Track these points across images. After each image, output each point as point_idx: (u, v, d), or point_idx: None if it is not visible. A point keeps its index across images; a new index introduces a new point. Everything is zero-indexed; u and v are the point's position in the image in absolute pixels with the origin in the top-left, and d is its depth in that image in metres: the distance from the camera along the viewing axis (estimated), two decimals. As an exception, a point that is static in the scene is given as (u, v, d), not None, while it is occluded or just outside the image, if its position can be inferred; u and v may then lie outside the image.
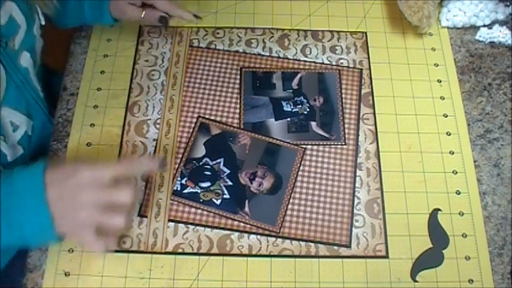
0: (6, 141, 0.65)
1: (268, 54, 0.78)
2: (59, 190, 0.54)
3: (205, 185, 0.68)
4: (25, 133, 0.69)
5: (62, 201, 0.54)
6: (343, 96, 0.75)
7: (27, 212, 0.54)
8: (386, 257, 0.64)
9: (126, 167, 0.57)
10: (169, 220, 0.66)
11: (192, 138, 0.71)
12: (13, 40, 0.63)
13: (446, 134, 0.72)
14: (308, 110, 0.74)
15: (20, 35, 0.64)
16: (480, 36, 0.80)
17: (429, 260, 0.64)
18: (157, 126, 0.72)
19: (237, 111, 0.73)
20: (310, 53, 0.78)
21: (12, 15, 0.62)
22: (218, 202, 0.67)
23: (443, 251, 0.65)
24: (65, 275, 0.62)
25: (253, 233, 0.65)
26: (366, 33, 0.80)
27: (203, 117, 0.73)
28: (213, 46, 0.79)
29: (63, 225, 0.54)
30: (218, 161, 0.69)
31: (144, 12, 0.71)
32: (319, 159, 0.70)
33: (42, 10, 0.68)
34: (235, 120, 0.72)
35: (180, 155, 0.70)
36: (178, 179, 0.68)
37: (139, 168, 0.60)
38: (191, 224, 0.65)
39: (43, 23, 0.70)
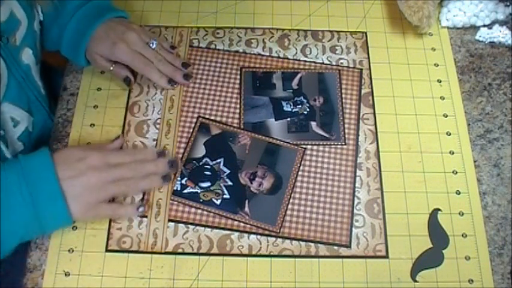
0: (6, 136, 0.65)
1: (268, 54, 0.78)
2: (69, 171, 0.59)
3: (205, 185, 0.68)
4: (26, 129, 0.69)
5: (73, 181, 0.59)
6: (343, 96, 0.75)
7: (39, 190, 0.57)
8: (386, 257, 0.64)
9: (131, 156, 0.65)
10: (169, 220, 0.66)
11: (192, 138, 0.71)
12: (14, 36, 0.63)
13: (446, 134, 0.72)
14: (308, 110, 0.74)
15: (21, 31, 0.65)
16: (480, 36, 0.80)
17: (429, 260, 0.64)
18: (157, 126, 0.72)
19: (237, 111, 0.73)
20: (310, 53, 0.78)
21: (13, 11, 0.62)
22: (218, 202, 0.67)
23: (443, 251, 0.65)
24: (65, 275, 0.62)
25: (253, 233, 0.65)
26: (366, 33, 0.80)
27: (203, 117, 0.73)
28: (213, 46, 0.79)
29: (77, 204, 0.59)
30: (218, 161, 0.69)
31: (113, 67, 0.71)
32: (319, 159, 0.70)
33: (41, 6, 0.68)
34: (235, 120, 0.72)
35: (180, 155, 0.70)
36: (178, 179, 0.68)
37: (146, 167, 0.65)
38: (191, 224, 0.65)
39: (41, 18, 0.70)
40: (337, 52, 0.79)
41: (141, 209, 0.64)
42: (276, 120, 0.73)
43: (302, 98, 0.74)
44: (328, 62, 0.78)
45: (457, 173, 0.70)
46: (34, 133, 0.72)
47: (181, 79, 0.73)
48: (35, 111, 0.71)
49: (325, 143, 0.71)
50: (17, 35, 0.64)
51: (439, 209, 0.67)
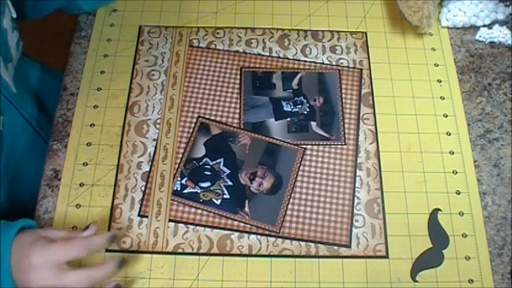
0: None
1: (268, 54, 0.78)
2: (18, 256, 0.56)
3: (205, 185, 0.68)
4: None
5: (18, 264, 0.56)
6: (343, 96, 0.75)
7: None
8: (386, 257, 0.64)
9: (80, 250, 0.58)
10: (169, 220, 0.66)
11: (192, 138, 0.71)
12: None
13: (446, 134, 0.72)
14: (308, 110, 0.74)
15: None
16: (480, 36, 0.80)
17: (429, 260, 0.64)
18: (157, 126, 0.72)
19: (237, 111, 0.73)
20: (310, 53, 0.78)
21: None
22: (218, 202, 0.67)
23: (443, 251, 0.65)
24: (65, 275, 0.62)
25: (253, 233, 0.65)
26: (366, 33, 0.80)
27: (203, 117, 0.73)
28: (213, 46, 0.79)
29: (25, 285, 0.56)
30: (218, 161, 0.69)
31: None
32: (319, 159, 0.70)
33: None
34: (235, 120, 0.72)
35: (180, 155, 0.70)
36: (178, 179, 0.68)
37: (94, 247, 0.59)
38: (191, 224, 0.65)
39: (14, 15, 0.68)
40: (337, 52, 0.79)
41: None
42: (276, 120, 0.73)
43: (302, 98, 0.75)
44: (328, 62, 0.78)
45: (457, 173, 0.70)
46: (5, 132, 0.70)
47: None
48: (4, 110, 0.68)
49: (325, 143, 0.71)
50: None
51: (439, 209, 0.67)
